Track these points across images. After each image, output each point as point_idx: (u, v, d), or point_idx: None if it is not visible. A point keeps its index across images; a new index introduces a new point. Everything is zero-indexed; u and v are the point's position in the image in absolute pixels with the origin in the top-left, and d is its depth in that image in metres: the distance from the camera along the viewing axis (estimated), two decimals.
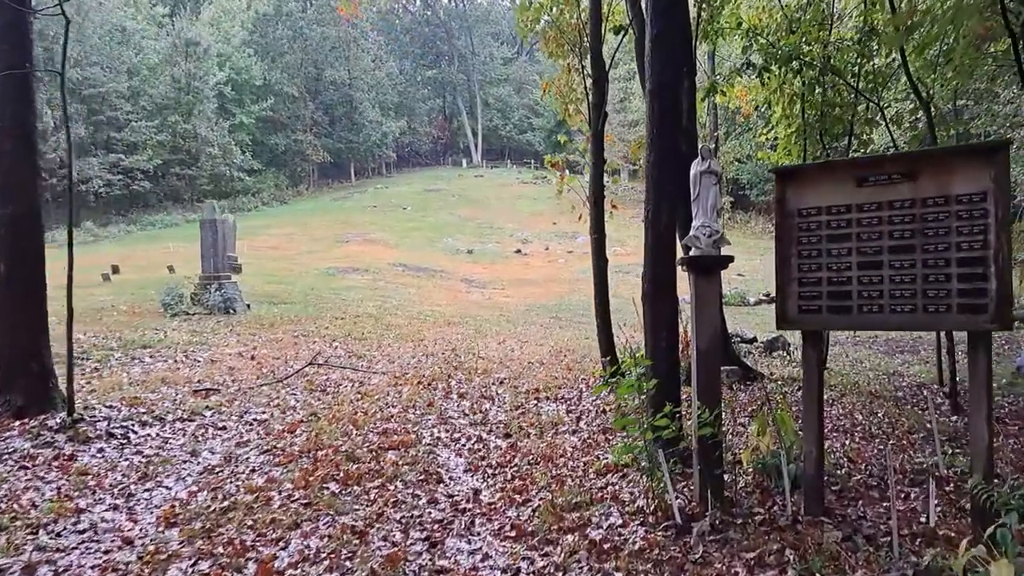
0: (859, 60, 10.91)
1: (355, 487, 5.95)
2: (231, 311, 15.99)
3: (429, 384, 10.31)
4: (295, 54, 60.97)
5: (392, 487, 6.00)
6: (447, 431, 8.02)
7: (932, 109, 9.83)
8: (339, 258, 29.37)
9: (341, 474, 6.19)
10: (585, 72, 10.47)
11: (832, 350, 13.45)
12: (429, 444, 7.46)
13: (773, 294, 19.28)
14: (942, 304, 4.86)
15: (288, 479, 6.06)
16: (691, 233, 5.64)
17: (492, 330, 16.84)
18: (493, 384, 10.60)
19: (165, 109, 48.24)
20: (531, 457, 7.01)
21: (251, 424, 7.96)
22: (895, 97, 13.08)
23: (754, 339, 14.42)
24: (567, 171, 11.35)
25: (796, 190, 5.47)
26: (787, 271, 5.49)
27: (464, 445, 7.53)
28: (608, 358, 10.34)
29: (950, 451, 7.20)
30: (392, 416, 8.48)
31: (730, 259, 5.70)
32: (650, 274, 6.72)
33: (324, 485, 5.93)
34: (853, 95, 12.16)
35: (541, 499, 5.75)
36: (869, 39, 10.65)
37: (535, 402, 9.51)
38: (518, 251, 38.09)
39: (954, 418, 8.91)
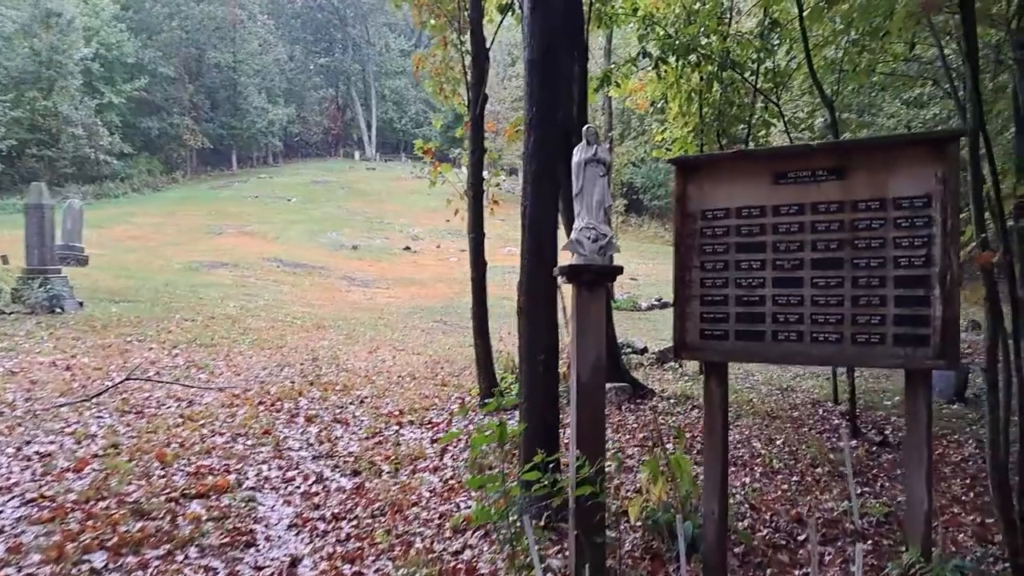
0: (759, 55, 10.14)
1: (129, 558, 4.51)
2: (58, 310, 13.90)
3: (273, 404, 8.86)
4: (173, 32, 57.10)
5: (182, 557, 4.60)
6: (280, 468, 6.64)
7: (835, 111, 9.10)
8: (208, 251, 27.13)
9: (115, 538, 4.72)
10: (464, 48, 9.28)
11: None
12: (252, 488, 6.07)
13: (666, 300, 18.55)
14: (874, 334, 3.91)
15: (39, 547, 4.56)
16: (572, 236, 4.50)
17: (366, 336, 15.40)
18: (351, 404, 9.24)
19: (22, 84, 44.00)
20: (378, 505, 5.75)
21: (29, 459, 6.34)
22: (791, 98, 12.46)
23: (645, 349, 13.58)
24: (449, 164, 10.12)
25: (700, 186, 4.42)
26: (687, 287, 4.43)
27: (298, 488, 6.18)
28: (484, 378, 9.16)
29: (858, 488, 6.41)
30: (215, 448, 7.02)
31: (619, 270, 4.60)
32: (527, 284, 5.57)
33: (85, 557, 4.47)
34: (752, 93, 11.46)
35: (378, 572, 4.49)
36: (771, 32, 9.89)
37: (396, 428, 8.23)
38: (407, 248, 36.55)
39: (854, 443, 8.21)
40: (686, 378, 11.70)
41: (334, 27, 76.15)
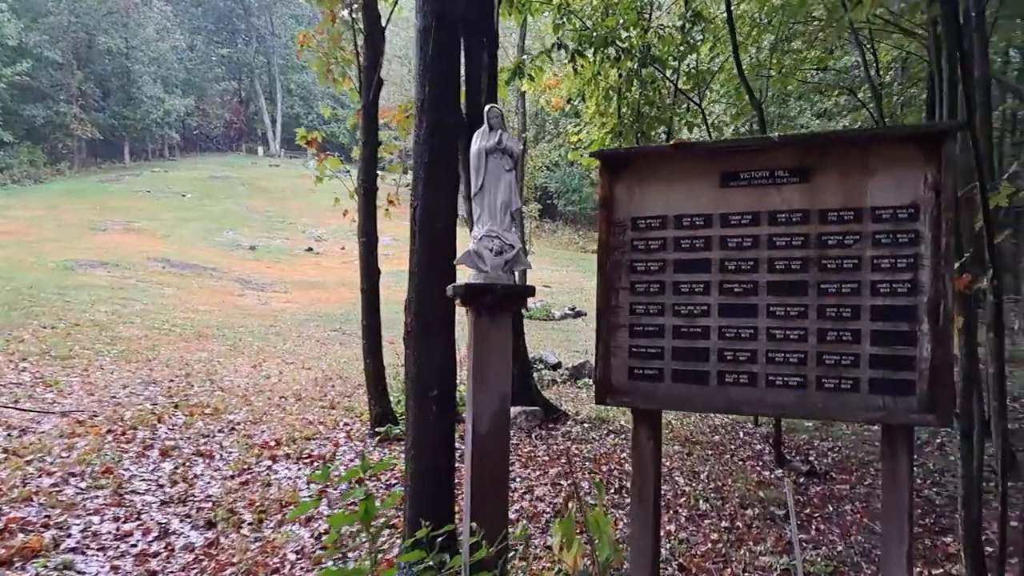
0: (681, 49, 9.43)
1: None
2: None
3: (124, 433, 7.53)
4: (61, 15, 53.28)
5: None
6: (116, 520, 5.44)
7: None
8: (88, 249, 24.88)
9: None
10: (356, 26, 8.19)
11: None
12: (72, 549, 4.86)
13: (580, 308, 17.78)
14: (846, 378, 3.08)
15: None
16: (470, 246, 3.54)
17: (253, 346, 14.01)
18: (220, 431, 8.01)
19: None
20: (230, 573, 4.64)
21: None
22: (714, 99, 11.87)
23: (558, 364, 12.73)
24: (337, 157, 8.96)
25: (630, 188, 3.53)
26: (613, 313, 3.53)
27: (133, 547, 5.00)
28: (376, 403, 8.09)
29: (790, 533, 5.69)
30: (38, 493, 5.74)
31: (530, 291, 3.66)
32: (416, 304, 4.57)
33: None
34: (673, 93, 10.78)
35: None
36: (693, 25, 9.19)
37: (269, 462, 7.08)
38: (310, 249, 34.87)
39: (779, 472, 7.55)
40: None
41: (237, 17, 73.05)
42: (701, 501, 6.32)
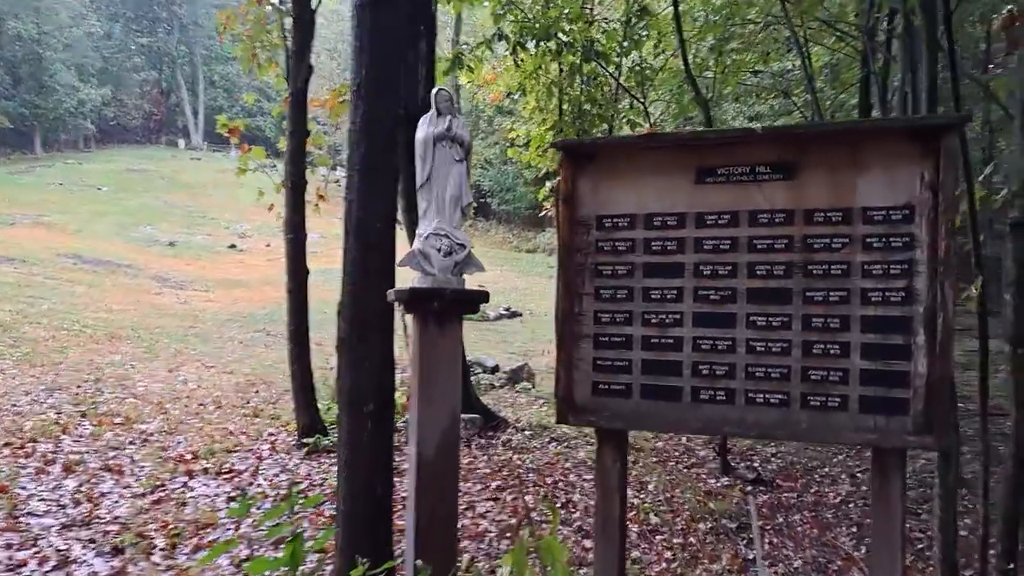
0: (625, 44, 9.16)
1: None
2: None
3: (23, 446, 6.82)
4: None
5: None
6: (8, 548, 4.82)
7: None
8: None
9: None
10: (285, 7, 7.62)
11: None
12: None
13: (515, 309, 17.38)
14: (833, 395, 2.80)
15: None
16: (416, 246, 3.13)
17: (170, 349, 13.20)
18: (131, 443, 7.37)
19: None
20: None
21: None
22: (659, 97, 11.67)
23: (496, 368, 12.34)
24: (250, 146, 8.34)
25: (595, 183, 3.17)
26: (575, 322, 3.17)
27: None
28: (304, 412, 7.56)
29: (746, 550, 5.45)
30: None
31: (483, 296, 3.27)
32: (350, 309, 4.12)
33: None
34: (615, 89, 10.53)
35: None
36: (639, 19, 8.94)
37: (185, 478, 6.51)
38: (233, 246, 33.61)
39: (726, 480, 7.34)
40: (541, 401, 10.57)
41: (158, 5, 70.27)
42: (652, 515, 6.03)
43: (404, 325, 7.58)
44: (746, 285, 2.93)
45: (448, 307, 3.10)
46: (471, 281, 3.49)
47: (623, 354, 3.10)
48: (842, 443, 2.86)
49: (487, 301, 3.29)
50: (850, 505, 6.82)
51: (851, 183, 2.80)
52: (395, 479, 4.73)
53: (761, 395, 2.88)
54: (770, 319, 2.88)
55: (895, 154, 2.73)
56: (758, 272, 2.91)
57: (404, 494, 5.34)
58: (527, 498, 6.42)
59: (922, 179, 2.70)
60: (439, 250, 3.12)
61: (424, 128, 3.19)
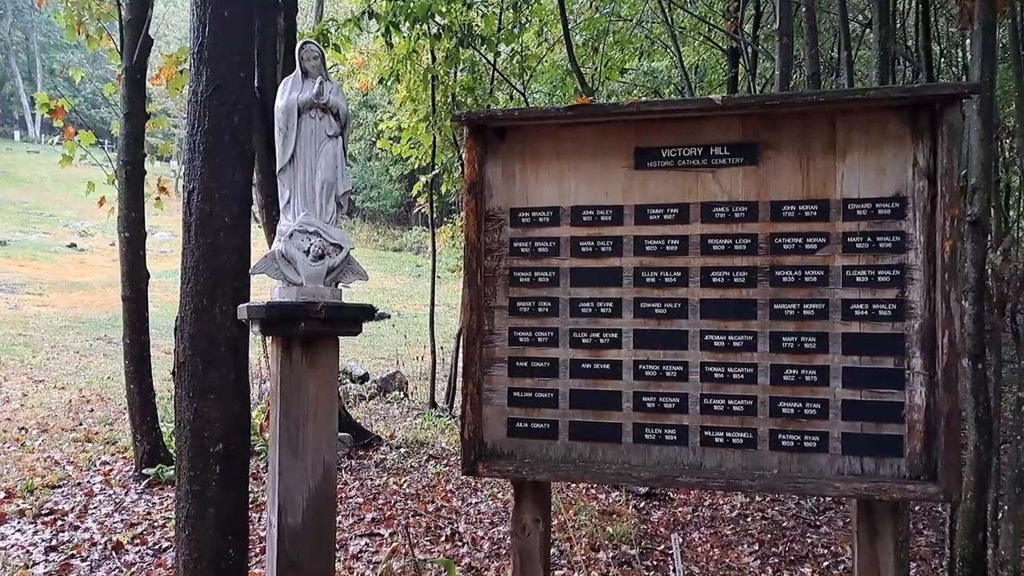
0: (509, 28, 8.57)
1: None
2: None
3: None
4: None
5: None
6: None
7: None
8: None
9: None
10: None
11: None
12: None
13: (383, 311, 16.72)
14: (810, 434, 2.27)
15: None
16: (275, 246, 2.36)
17: None
18: None
19: None
20: None
21: None
22: (539, 87, 11.17)
23: (365, 376, 11.46)
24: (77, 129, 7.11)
25: (509, 167, 2.51)
26: (485, 343, 2.50)
27: None
28: (143, 438, 6.49)
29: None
30: None
31: (368, 313, 2.53)
32: (192, 326, 3.27)
33: None
34: (491, 77, 9.92)
35: None
36: (525, 3, 8.37)
37: None
38: (73, 245, 30.84)
39: (616, 495, 6.87)
40: (415, 413, 9.82)
41: None
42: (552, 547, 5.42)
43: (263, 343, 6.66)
44: (699, 296, 2.35)
45: (321, 329, 2.36)
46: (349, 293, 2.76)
47: (546, 383, 2.45)
48: (824, 494, 2.31)
49: (372, 318, 2.56)
50: (748, 519, 6.50)
51: (829, 169, 2.27)
52: (251, 534, 3.90)
53: (721, 434, 2.31)
54: (730, 338, 2.32)
55: (882, 133, 2.22)
56: (714, 280, 2.33)
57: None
58: (409, 531, 5.70)
59: (914, 164, 2.20)
60: (307, 252, 2.37)
61: (286, 94, 2.43)
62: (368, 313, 2.52)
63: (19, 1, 65.45)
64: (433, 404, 10.54)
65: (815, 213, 2.27)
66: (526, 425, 2.47)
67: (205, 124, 3.25)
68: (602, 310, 2.41)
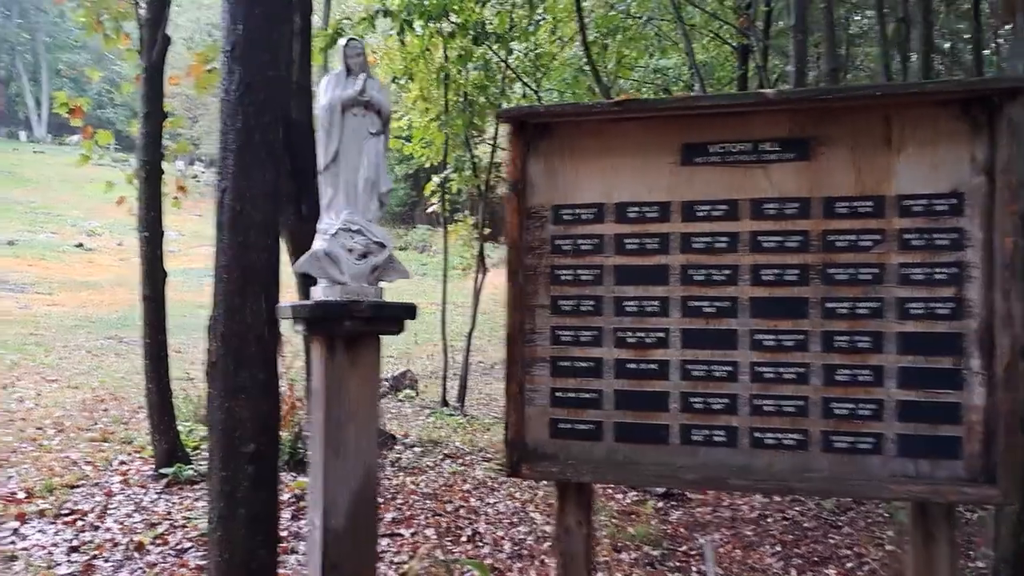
0: (524, 25, 8.54)
1: None
2: None
3: None
4: None
5: None
6: None
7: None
8: None
9: None
10: None
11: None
12: None
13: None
14: (864, 436, 2.23)
15: None
16: (318, 245, 2.32)
17: (5, 360, 11.56)
18: None
19: None
20: None
21: None
22: (553, 85, 11.12)
23: None
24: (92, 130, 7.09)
25: (551, 164, 2.48)
26: (527, 342, 2.46)
27: None
28: (162, 438, 6.47)
29: None
30: None
31: (410, 311, 2.50)
32: (225, 325, 3.24)
33: None
34: (503, 78, 9.89)
35: None
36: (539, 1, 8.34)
37: (15, 525, 5.35)
38: (80, 245, 30.87)
39: (633, 494, 6.84)
40: (427, 411, 9.80)
41: None
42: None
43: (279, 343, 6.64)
44: (749, 294, 2.31)
45: (364, 328, 2.33)
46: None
47: (590, 383, 2.42)
48: (878, 497, 2.26)
49: (414, 317, 2.53)
50: (768, 519, 6.45)
51: (883, 164, 2.23)
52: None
53: (771, 436, 2.28)
54: (781, 338, 2.28)
55: (940, 129, 2.18)
56: (764, 278, 2.30)
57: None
58: (427, 532, 5.68)
59: (972, 160, 2.16)
60: (351, 251, 2.34)
61: (329, 91, 2.40)
62: (410, 312, 2.49)
63: (25, 1, 65.63)
64: (445, 403, 10.52)
65: (870, 210, 2.23)
66: (569, 426, 2.43)
67: (237, 123, 3.22)
68: (648, 309, 2.38)
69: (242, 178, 3.25)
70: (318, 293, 2.39)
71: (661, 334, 2.37)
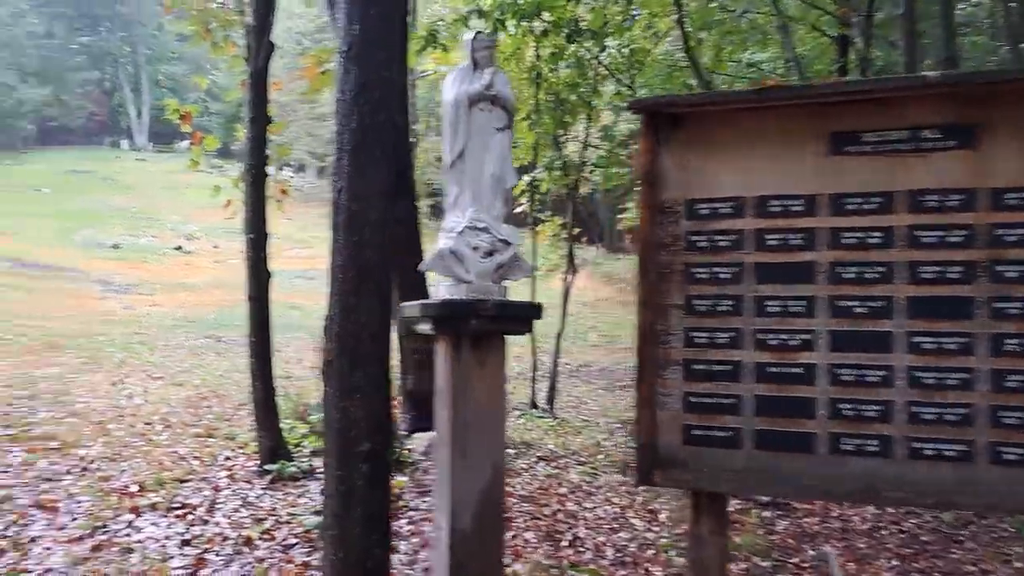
0: (619, 20, 8.40)
1: None
2: None
3: None
4: None
5: None
6: None
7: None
8: None
9: None
10: None
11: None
12: None
13: None
14: None
15: None
16: (443, 244, 2.26)
17: (114, 358, 12.04)
18: (68, 473, 6.30)
19: None
20: None
21: None
22: (645, 82, 10.93)
23: None
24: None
25: (685, 156, 2.36)
26: (659, 344, 2.34)
27: None
28: (265, 434, 6.60)
29: None
30: None
31: (536, 311, 2.41)
32: (340, 326, 3.23)
33: None
34: (595, 74, 9.75)
35: None
36: None
37: (130, 517, 5.52)
38: (179, 248, 32.11)
39: (736, 502, 6.60)
40: (516, 413, 9.71)
41: (100, 4, 67.83)
42: (673, 553, 5.24)
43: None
44: (906, 294, 2.14)
45: (491, 326, 2.26)
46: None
47: (727, 388, 2.29)
48: None
49: (540, 316, 2.45)
50: (883, 532, 6.12)
51: None
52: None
53: (931, 446, 2.10)
54: (942, 341, 2.10)
55: None
56: (923, 276, 2.12)
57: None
58: (527, 536, 5.60)
59: None
60: (477, 249, 2.28)
61: (455, 86, 2.34)
62: (537, 311, 2.41)
63: (127, 15, 68.92)
64: (534, 405, 10.43)
65: None
66: (704, 433, 2.31)
67: (352, 123, 3.21)
68: (792, 309, 2.24)
69: (357, 177, 3.23)
70: (442, 292, 2.33)
71: (807, 336, 2.22)
